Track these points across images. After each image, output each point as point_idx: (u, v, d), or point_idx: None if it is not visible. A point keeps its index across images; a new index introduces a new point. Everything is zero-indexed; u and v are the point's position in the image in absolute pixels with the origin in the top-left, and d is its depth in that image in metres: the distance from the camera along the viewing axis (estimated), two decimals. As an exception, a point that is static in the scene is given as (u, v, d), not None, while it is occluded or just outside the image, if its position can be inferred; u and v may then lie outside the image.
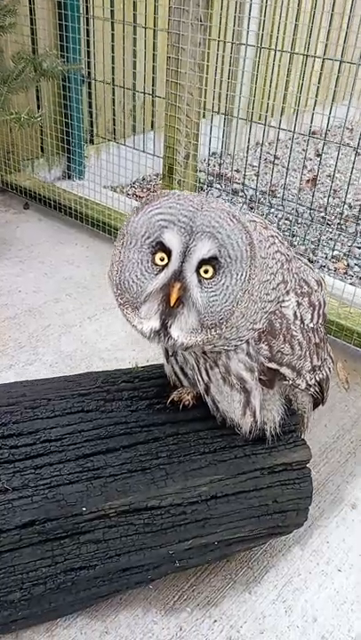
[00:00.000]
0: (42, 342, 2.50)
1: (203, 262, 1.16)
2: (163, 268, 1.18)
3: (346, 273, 3.58)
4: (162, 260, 1.18)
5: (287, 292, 1.30)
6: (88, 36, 3.59)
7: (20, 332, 2.55)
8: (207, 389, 1.41)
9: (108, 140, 4.02)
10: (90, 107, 3.88)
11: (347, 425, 2.23)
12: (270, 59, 3.87)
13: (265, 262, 1.23)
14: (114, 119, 4.08)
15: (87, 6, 3.47)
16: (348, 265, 3.67)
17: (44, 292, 2.85)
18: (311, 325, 1.37)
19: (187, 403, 1.53)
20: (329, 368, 1.57)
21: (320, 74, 3.84)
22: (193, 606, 1.58)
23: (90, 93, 3.85)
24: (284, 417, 1.49)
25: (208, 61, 3.32)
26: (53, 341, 2.52)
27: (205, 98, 3.46)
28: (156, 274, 1.19)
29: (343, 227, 4.11)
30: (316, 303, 1.37)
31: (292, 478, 1.51)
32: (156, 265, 1.19)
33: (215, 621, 1.55)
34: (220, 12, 3.41)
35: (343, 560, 1.74)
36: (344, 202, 4.23)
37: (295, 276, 1.32)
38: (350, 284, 3.23)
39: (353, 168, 3.16)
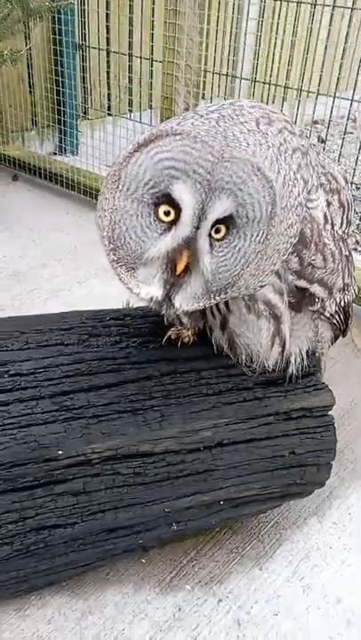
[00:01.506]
0: (26, 305, 2.27)
1: (216, 222, 0.97)
2: (169, 227, 0.98)
3: (355, 249, 3.48)
4: (167, 214, 0.97)
5: (315, 189, 1.07)
6: (83, 5, 3.43)
7: (1, 294, 2.31)
8: (224, 323, 1.18)
9: (102, 116, 3.83)
10: (83, 81, 3.69)
11: (365, 391, 2.00)
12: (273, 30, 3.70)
13: (284, 211, 1.01)
14: (109, 94, 3.89)
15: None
16: (357, 241, 3.60)
17: (31, 257, 2.62)
18: (340, 233, 1.14)
19: (186, 340, 1.29)
20: (354, 288, 1.34)
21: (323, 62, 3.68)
22: (194, 583, 1.32)
23: (84, 67, 3.66)
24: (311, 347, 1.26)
25: (209, 24, 3.14)
26: (38, 304, 2.28)
27: (206, 64, 3.28)
28: (161, 233, 0.99)
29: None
30: (346, 203, 1.14)
31: (311, 426, 1.27)
32: (160, 221, 0.98)
33: (220, 601, 1.29)
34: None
35: (369, 533, 1.49)
36: (352, 183, 4.11)
37: (319, 168, 1.09)
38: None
39: (359, 152, 3.01)
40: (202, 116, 0.98)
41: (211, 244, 0.98)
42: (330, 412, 1.31)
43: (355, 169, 3.21)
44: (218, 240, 0.98)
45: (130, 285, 1.04)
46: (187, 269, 0.99)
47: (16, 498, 1.05)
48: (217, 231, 0.98)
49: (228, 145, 0.93)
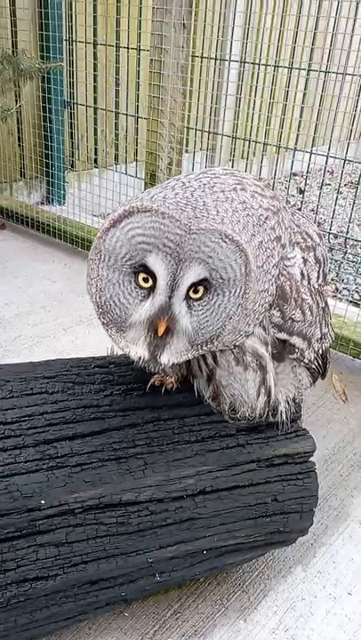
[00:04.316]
0: (10, 352, 2.28)
1: (191, 286, 1.04)
2: (148, 292, 1.06)
3: (335, 296, 3.57)
4: (145, 280, 1.05)
5: (292, 247, 1.14)
6: (71, 66, 3.59)
7: (-13, 342, 2.33)
8: (210, 376, 1.22)
9: (89, 168, 3.95)
10: (71, 136, 3.83)
11: (347, 437, 2.02)
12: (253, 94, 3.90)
13: (261, 270, 1.07)
14: (96, 148, 4.03)
15: (70, 36, 3.48)
16: (336, 289, 3.70)
17: (16, 304, 2.65)
18: (316, 286, 1.20)
19: (170, 385, 1.32)
20: (331, 335, 1.38)
21: (300, 120, 3.87)
22: (177, 637, 1.30)
23: (71, 122, 3.81)
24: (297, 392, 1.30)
25: (191, 86, 3.30)
26: (24, 352, 2.29)
27: (188, 123, 3.43)
28: (141, 300, 1.07)
29: (331, 254, 4.09)
30: (321, 259, 1.21)
31: (294, 473, 1.28)
32: (141, 287, 1.06)
33: (204, 655, 1.27)
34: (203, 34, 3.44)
35: (353, 582, 1.48)
36: (329, 232, 4.25)
37: (294, 227, 1.16)
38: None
39: (335, 204, 3.14)
40: (173, 188, 1.05)
41: (189, 306, 1.05)
42: (311, 459, 1.33)
43: (332, 219, 3.34)
44: (197, 300, 1.05)
45: (120, 345, 1.10)
46: (168, 331, 1.05)
47: (-3, 549, 1.04)
48: (195, 292, 1.04)
49: (196, 216, 0.99)
